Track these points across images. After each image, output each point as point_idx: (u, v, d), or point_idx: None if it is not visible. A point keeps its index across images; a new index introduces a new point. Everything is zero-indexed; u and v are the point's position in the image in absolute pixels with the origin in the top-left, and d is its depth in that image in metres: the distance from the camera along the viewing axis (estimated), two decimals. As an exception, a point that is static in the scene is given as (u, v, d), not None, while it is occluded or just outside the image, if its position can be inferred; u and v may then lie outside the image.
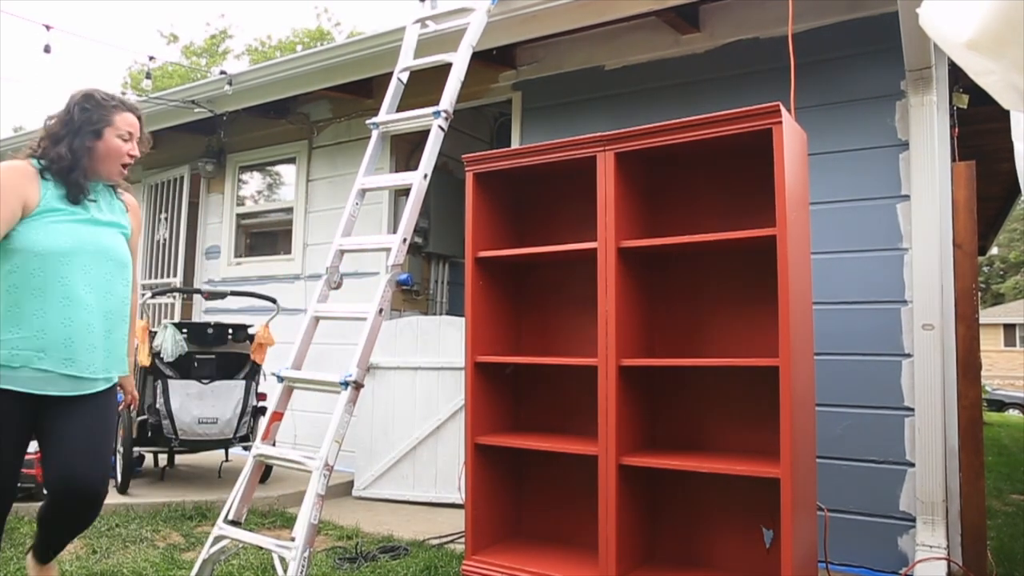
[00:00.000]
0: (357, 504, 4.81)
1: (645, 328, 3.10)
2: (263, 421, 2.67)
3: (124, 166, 2.33)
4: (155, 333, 4.67)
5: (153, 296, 6.39)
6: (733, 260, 3.04)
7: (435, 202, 6.15)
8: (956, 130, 3.90)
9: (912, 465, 3.49)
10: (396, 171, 5.71)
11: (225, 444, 4.80)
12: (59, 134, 2.24)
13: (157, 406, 4.54)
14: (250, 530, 2.59)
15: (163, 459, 5.21)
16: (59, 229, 2.17)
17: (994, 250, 26.06)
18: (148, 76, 7.09)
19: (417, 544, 3.78)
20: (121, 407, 4.55)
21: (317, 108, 6.22)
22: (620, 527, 2.78)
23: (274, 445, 2.59)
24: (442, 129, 2.83)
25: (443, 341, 4.94)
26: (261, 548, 2.39)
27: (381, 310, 2.59)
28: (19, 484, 2.42)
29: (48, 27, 4.52)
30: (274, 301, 5.27)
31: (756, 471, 2.56)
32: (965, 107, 4.02)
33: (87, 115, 2.25)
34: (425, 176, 2.75)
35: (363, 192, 2.93)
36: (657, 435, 3.14)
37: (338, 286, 2.81)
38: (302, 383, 2.66)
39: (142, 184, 7.59)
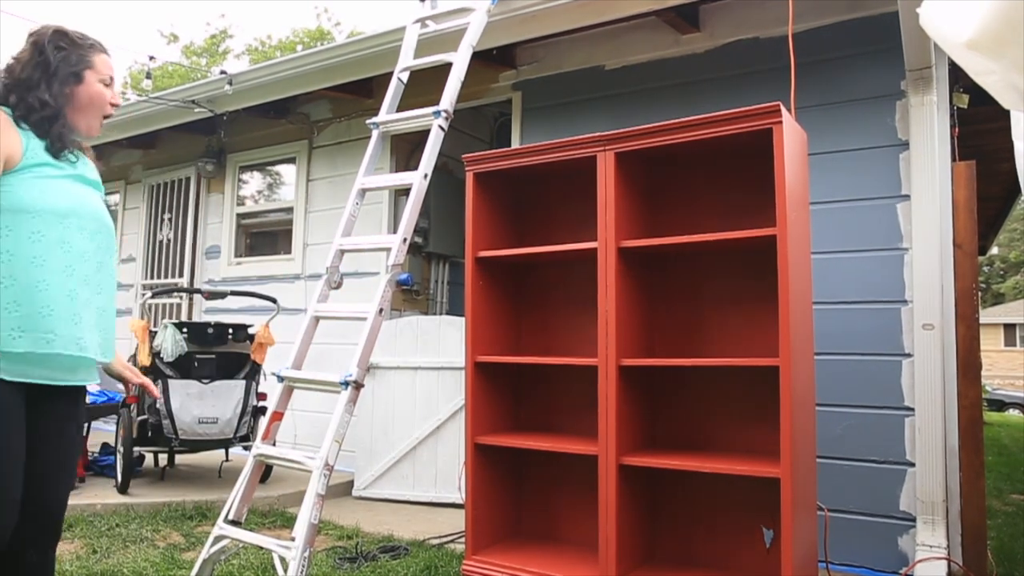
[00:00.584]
0: (357, 504, 4.81)
1: (645, 328, 3.10)
2: (263, 421, 2.67)
3: (105, 117, 2.02)
4: (155, 333, 4.67)
5: (154, 296, 6.41)
6: (733, 260, 3.04)
7: (435, 202, 6.15)
8: (956, 130, 3.90)
9: (912, 465, 3.49)
10: (396, 171, 5.71)
11: (225, 444, 4.80)
12: (33, 79, 1.88)
13: (157, 406, 4.54)
14: (250, 530, 2.59)
15: (163, 459, 5.21)
16: (54, 186, 1.85)
17: (994, 250, 26.05)
18: (148, 76, 7.11)
19: (417, 544, 3.78)
20: (129, 399, 4.57)
21: (317, 108, 6.22)
22: (620, 527, 2.78)
23: (274, 445, 2.59)
24: (442, 129, 2.83)
25: (443, 341, 4.94)
26: (261, 548, 2.39)
27: (381, 310, 2.59)
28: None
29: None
30: (274, 301, 5.27)
31: (756, 471, 2.56)
32: (965, 107, 4.02)
33: (64, 56, 1.91)
34: (425, 176, 2.75)
35: (363, 192, 2.93)
36: (657, 435, 3.14)
37: (338, 286, 2.81)
38: (302, 383, 2.66)
39: (142, 184, 7.59)
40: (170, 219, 7.28)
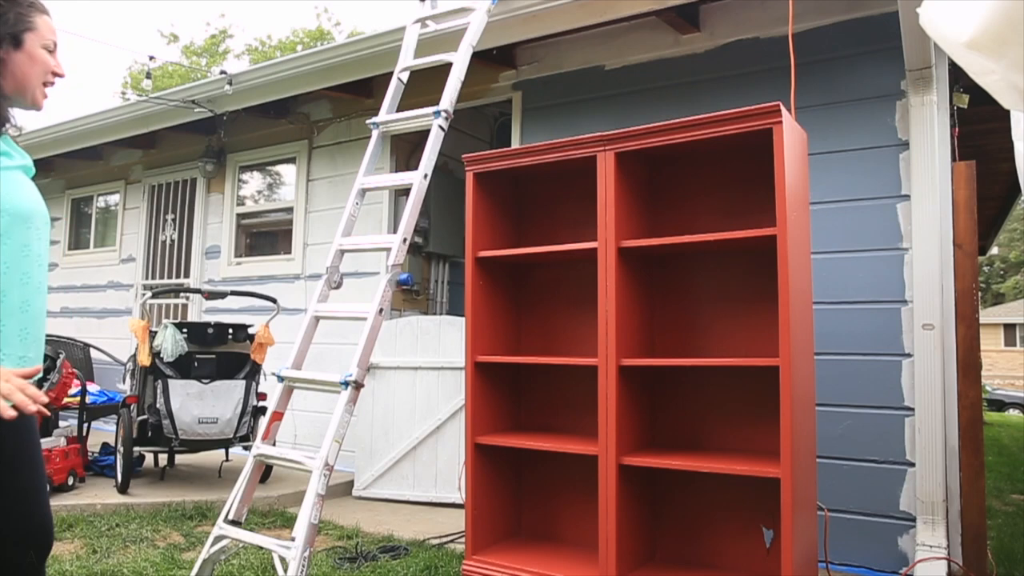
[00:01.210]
0: (357, 504, 4.81)
1: (645, 328, 3.10)
2: (263, 421, 2.67)
3: (46, 85, 1.76)
4: (155, 333, 4.67)
5: (154, 296, 6.41)
6: (733, 260, 3.04)
7: (435, 202, 6.15)
8: (956, 130, 3.90)
9: (912, 465, 3.49)
10: (396, 171, 5.71)
11: (225, 444, 4.80)
12: None
13: (157, 406, 4.54)
14: (250, 530, 2.59)
15: (163, 459, 5.21)
16: (14, 181, 1.63)
17: (994, 250, 26.05)
18: (148, 76, 7.12)
19: (417, 544, 3.78)
20: (129, 399, 4.53)
21: (317, 108, 6.22)
22: (620, 527, 2.78)
23: (274, 445, 2.59)
24: (442, 129, 2.83)
25: (443, 341, 4.94)
26: (261, 548, 2.39)
27: (381, 310, 2.59)
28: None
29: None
30: (274, 301, 5.28)
31: (756, 471, 2.56)
32: (965, 107, 4.02)
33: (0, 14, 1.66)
34: (425, 176, 2.75)
35: (363, 192, 2.93)
36: (657, 435, 3.14)
37: (338, 286, 2.81)
38: (302, 383, 2.66)
39: (142, 184, 7.60)
40: (173, 219, 7.29)
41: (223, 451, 5.07)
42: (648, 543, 3.05)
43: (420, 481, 4.86)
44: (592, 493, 2.87)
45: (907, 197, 3.60)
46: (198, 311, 6.76)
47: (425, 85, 3.67)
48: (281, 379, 2.66)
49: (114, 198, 7.99)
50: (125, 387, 5.05)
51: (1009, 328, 30.15)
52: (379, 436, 4.99)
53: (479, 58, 4.34)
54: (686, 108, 3.90)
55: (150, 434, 4.60)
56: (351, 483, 5.05)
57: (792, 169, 2.61)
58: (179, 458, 5.39)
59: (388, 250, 2.68)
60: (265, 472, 4.84)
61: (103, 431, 6.31)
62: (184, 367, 4.61)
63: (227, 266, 6.73)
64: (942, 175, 3.54)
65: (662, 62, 4.42)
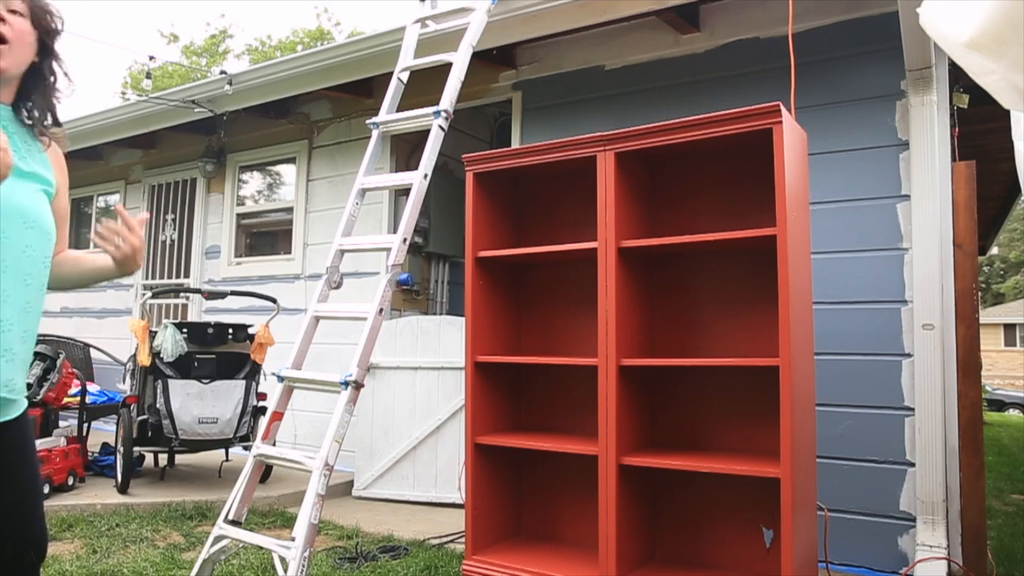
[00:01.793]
0: (357, 504, 4.81)
1: (645, 328, 3.10)
2: (263, 421, 2.67)
3: None
4: (155, 333, 4.67)
5: (154, 296, 6.41)
6: (733, 260, 3.04)
7: (435, 202, 6.15)
8: (956, 130, 3.90)
9: (912, 465, 3.49)
10: (396, 171, 5.71)
11: (225, 444, 4.80)
12: None
13: (157, 406, 4.54)
14: (250, 530, 2.59)
15: (163, 459, 5.21)
16: (9, 180, 1.44)
17: (994, 250, 26.05)
18: (148, 76, 7.12)
19: (417, 544, 3.78)
20: (129, 399, 4.54)
21: (317, 108, 6.22)
22: (620, 527, 2.78)
23: (274, 445, 2.59)
24: (442, 129, 2.83)
25: (443, 341, 4.94)
26: (261, 548, 2.39)
27: (381, 310, 2.59)
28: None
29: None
30: (274, 301, 5.28)
31: (756, 471, 2.56)
32: (965, 107, 4.02)
33: None
34: (425, 176, 2.75)
35: (363, 192, 2.93)
36: (657, 435, 3.14)
37: (338, 286, 2.81)
38: (302, 383, 2.66)
39: (142, 184, 7.60)
40: (173, 219, 7.29)
41: (223, 451, 5.07)
42: (648, 543, 3.05)
43: (420, 481, 4.86)
44: (592, 493, 2.87)
45: (907, 197, 3.60)
46: (198, 311, 6.76)
47: (425, 85, 3.67)
48: (281, 379, 2.66)
49: (114, 198, 8.00)
50: (125, 387, 5.05)
51: (1009, 328, 30.15)
52: (379, 436, 4.99)
53: (479, 58, 4.33)
54: (686, 108, 3.89)
55: (150, 434, 4.60)
56: (351, 483, 5.05)
57: (792, 169, 2.61)
58: (179, 458, 5.39)
59: (388, 250, 2.68)
60: (265, 472, 4.84)
61: (103, 431, 6.31)
62: (184, 367, 4.61)
63: (227, 266, 6.73)
64: (942, 175, 3.54)
65: (662, 62, 4.42)
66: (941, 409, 3.43)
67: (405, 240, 2.67)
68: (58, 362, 4.66)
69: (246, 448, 4.74)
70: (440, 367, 4.89)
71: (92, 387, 5.50)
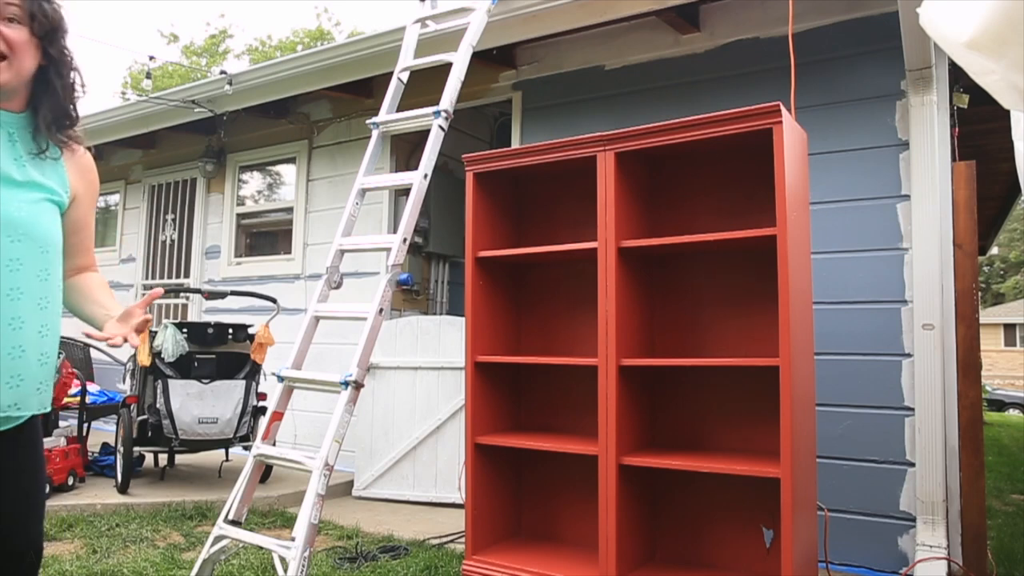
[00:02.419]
0: (357, 504, 4.81)
1: (645, 328, 3.10)
2: (263, 421, 2.67)
3: None
4: (155, 333, 4.67)
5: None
6: (733, 260, 3.04)
7: (435, 202, 6.15)
8: (956, 130, 3.90)
9: (912, 465, 3.49)
10: (396, 171, 5.71)
11: (225, 444, 4.80)
12: None
13: (157, 406, 4.54)
14: (250, 530, 2.59)
15: (163, 459, 5.21)
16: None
17: (994, 250, 26.05)
18: (148, 76, 7.12)
19: (417, 544, 3.78)
20: (129, 399, 4.54)
21: (317, 108, 6.22)
22: (620, 527, 2.78)
23: (274, 445, 2.59)
24: (442, 129, 2.83)
25: (443, 341, 4.94)
26: (261, 548, 2.39)
27: (381, 310, 2.59)
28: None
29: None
30: (274, 301, 5.28)
31: (756, 471, 2.56)
32: (965, 107, 4.02)
33: None
34: (425, 176, 2.75)
35: (363, 192, 2.93)
36: (657, 435, 3.14)
37: (338, 286, 2.81)
38: (302, 383, 2.66)
39: (142, 184, 7.60)
40: (173, 219, 7.29)
41: (223, 451, 5.06)
42: (648, 543, 3.05)
43: (420, 481, 4.86)
44: (592, 493, 2.87)
45: (907, 197, 3.60)
46: (198, 311, 6.76)
47: (425, 85, 3.67)
48: (281, 379, 2.66)
49: (114, 198, 7.99)
50: (125, 387, 5.05)
51: (1009, 328, 30.15)
52: (379, 436, 4.99)
53: (479, 58, 4.33)
54: (686, 108, 3.89)
55: (150, 434, 4.60)
56: (351, 483, 5.04)
57: (792, 169, 2.61)
58: (179, 458, 5.39)
59: (388, 250, 2.68)
60: (265, 472, 4.84)
61: (103, 431, 6.31)
62: (184, 367, 4.61)
63: (227, 266, 6.73)
64: (942, 175, 3.54)
65: (662, 62, 4.42)
66: (941, 409, 3.43)
67: (405, 240, 2.67)
68: (58, 362, 4.65)
69: (246, 448, 4.74)
70: (440, 367, 4.89)
71: (92, 387, 5.49)
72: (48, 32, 1.53)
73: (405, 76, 3.15)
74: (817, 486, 2.99)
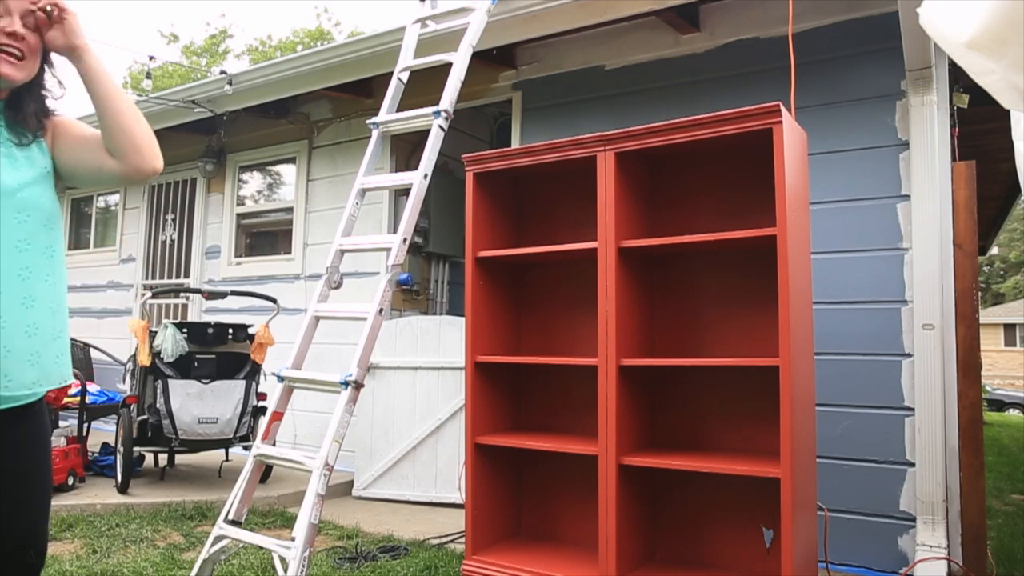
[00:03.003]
0: (357, 504, 4.81)
1: (645, 328, 3.10)
2: (263, 421, 2.67)
3: (6, 51, 1.52)
4: (155, 333, 4.67)
5: (154, 296, 6.41)
6: (733, 260, 3.04)
7: (435, 202, 6.15)
8: (956, 130, 3.90)
9: (912, 465, 3.49)
10: (396, 171, 5.71)
11: (225, 444, 4.80)
12: None
13: (157, 406, 4.54)
14: (250, 530, 2.59)
15: (163, 459, 5.21)
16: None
17: (994, 250, 26.05)
18: (148, 76, 7.11)
19: (417, 544, 3.78)
20: (129, 399, 4.53)
21: (317, 108, 6.22)
22: (620, 527, 2.78)
23: (274, 445, 2.59)
24: (442, 129, 2.83)
25: (443, 341, 4.94)
26: (261, 548, 2.39)
27: (381, 310, 2.59)
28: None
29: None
30: (274, 301, 5.28)
31: (756, 471, 2.56)
32: (965, 107, 4.02)
33: None
34: (425, 176, 2.75)
35: (363, 192, 2.93)
36: (657, 435, 3.14)
37: (338, 286, 2.81)
38: (302, 383, 2.66)
39: (142, 184, 7.60)
40: (173, 219, 7.29)
41: (223, 451, 5.06)
42: (648, 543, 3.05)
43: (420, 481, 4.86)
44: (592, 493, 2.87)
45: (907, 197, 3.60)
46: (198, 311, 6.76)
47: (425, 85, 3.67)
48: (281, 379, 2.66)
49: (114, 198, 8.00)
50: (125, 387, 5.05)
51: (1009, 328, 30.15)
52: (379, 436, 4.99)
53: (479, 58, 4.34)
54: (686, 108, 3.89)
55: (150, 434, 4.60)
56: (351, 483, 5.04)
57: (792, 169, 2.61)
58: (179, 458, 5.39)
59: (388, 250, 2.68)
60: (265, 472, 4.84)
61: (103, 431, 6.31)
62: (184, 367, 4.61)
63: (227, 266, 6.73)
64: (942, 175, 3.54)
65: (662, 62, 4.42)
66: (941, 409, 3.43)
67: (405, 240, 2.67)
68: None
69: (246, 448, 4.74)
70: (440, 367, 4.89)
71: (92, 387, 5.50)
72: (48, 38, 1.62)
73: (405, 76, 3.15)
74: (817, 486, 2.99)
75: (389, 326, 5.02)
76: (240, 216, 6.84)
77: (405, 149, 5.95)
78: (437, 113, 2.82)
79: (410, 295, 6.33)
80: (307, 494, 2.32)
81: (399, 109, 3.06)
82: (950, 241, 3.54)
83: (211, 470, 5.22)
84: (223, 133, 6.62)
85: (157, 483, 4.86)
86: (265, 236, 7.04)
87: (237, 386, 4.74)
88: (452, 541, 3.87)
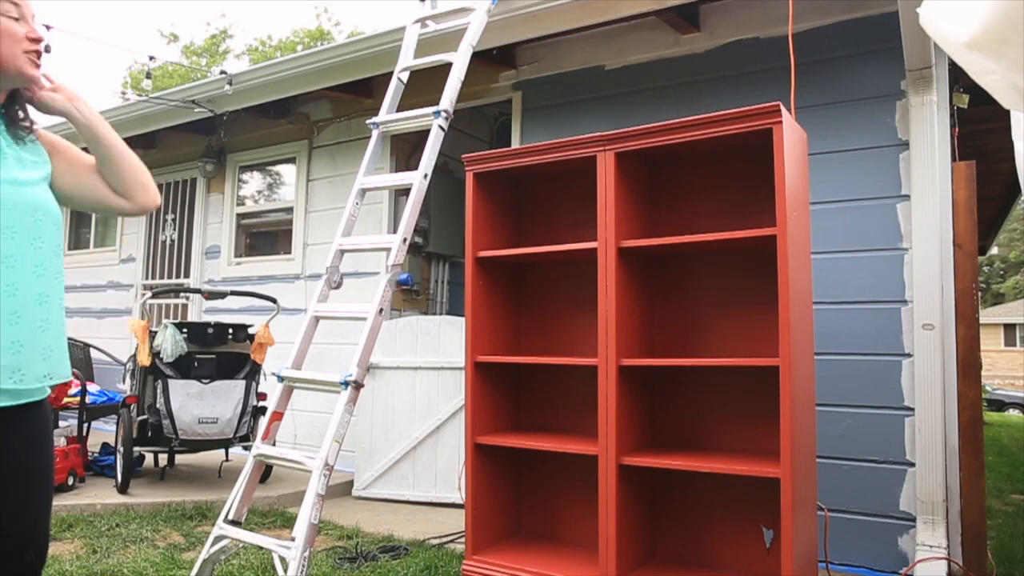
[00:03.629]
0: (357, 504, 4.81)
1: (645, 328, 3.10)
2: (263, 421, 2.67)
3: (30, 55, 1.60)
4: (155, 333, 4.67)
5: (154, 296, 6.41)
6: (733, 259, 3.04)
7: (435, 202, 6.15)
8: (956, 130, 3.90)
9: (912, 465, 3.49)
10: (396, 171, 5.71)
11: (225, 444, 4.80)
12: None
13: (157, 406, 4.54)
14: (250, 530, 2.59)
15: (163, 459, 5.21)
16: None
17: (994, 250, 26.04)
18: (148, 76, 7.12)
19: (417, 544, 3.78)
20: (129, 399, 4.55)
21: (317, 108, 6.22)
22: (620, 527, 2.78)
23: (274, 445, 2.59)
24: (442, 129, 2.83)
25: (443, 341, 4.94)
26: (261, 548, 2.39)
27: (381, 310, 2.59)
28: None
29: (48, 27, 4.50)
30: (274, 301, 5.28)
31: (756, 471, 2.56)
32: (965, 107, 4.02)
33: None
34: (425, 176, 2.75)
35: (363, 192, 2.93)
36: (657, 435, 3.14)
37: (338, 286, 2.81)
38: (302, 383, 2.66)
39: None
40: (173, 219, 7.29)
41: (223, 451, 5.06)
42: (648, 543, 3.05)
43: (420, 481, 4.86)
44: (592, 493, 2.87)
45: (907, 197, 3.60)
46: (198, 311, 6.76)
47: (425, 85, 3.67)
48: (281, 379, 2.66)
49: (114, 198, 7.98)
50: (125, 387, 5.05)
51: (1009, 328, 30.15)
52: (379, 436, 4.99)
53: (479, 58, 4.33)
54: (686, 108, 3.89)
55: (150, 434, 4.60)
56: (351, 483, 5.05)
57: (792, 169, 2.61)
58: (179, 458, 5.39)
59: (388, 250, 2.68)
60: (265, 472, 4.84)
61: (103, 431, 6.31)
62: (184, 367, 4.61)
63: (227, 266, 6.73)
64: (942, 175, 3.54)
65: (662, 62, 4.42)
66: (941, 409, 3.43)
67: (405, 240, 2.67)
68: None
69: (246, 448, 4.74)
70: (440, 367, 4.89)
71: (92, 387, 5.50)
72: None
73: (405, 76, 3.15)
74: (817, 486, 2.99)
75: (389, 326, 5.02)
76: (240, 216, 6.84)
77: (405, 149, 5.95)
78: (437, 113, 2.83)
79: (410, 295, 6.33)
80: (307, 494, 2.32)
81: (399, 109, 3.06)
82: (950, 241, 3.54)
83: (211, 470, 5.22)
84: (223, 133, 6.62)
85: (157, 483, 4.86)
86: (265, 236, 7.04)
87: (237, 386, 4.74)
88: (452, 541, 3.87)
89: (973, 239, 3.55)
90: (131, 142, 7.25)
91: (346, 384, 2.46)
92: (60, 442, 4.58)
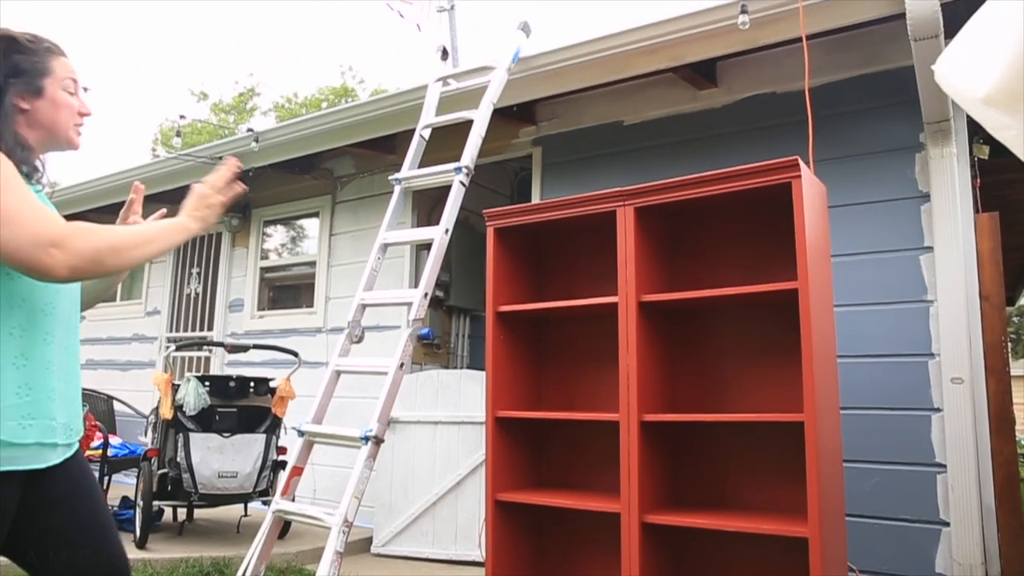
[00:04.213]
0: (376, 561, 4.73)
1: (667, 382, 3.06)
2: (283, 475, 2.66)
3: (79, 126, 1.74)
4: (178, 386, 4.70)
5: (178, 349, 6.48)
6: (755, 313, 3.02)
7: (456, 256, 6.20)
8: (979, 180, 3.88)
9: (947, 524, 3.38)
10: (418, 225, 5.78)
11: (245, 498, 4.77)
12: None
13: (178, 459, 4.53)
14: (267, 588, 2.56)
15: (182, 513, 5.18)
16: None
17: (1022, 301, 25.56)
18: (178, 134, 7.35)
19: (436, 603, 3.70)
20: (150, 452, 4.58)
21: (341, 163, 6.35)
22: (644, 588, 2.70)
23: (293, 500, 2.58)
24: (463, 184, 2.88)
25: (464, 395, 4.91)
26: (278, 607, 2.36)
27: (402, 364, 2.60)
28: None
29: (86, 89, 4.66)
30: (296, 354, 5.30)
31: (783, 530, 2.49)
32: (986, 157, 4.01)
33: (13, 65, 1.60)
34: (446, 231, 2.79)
35: (385, 247, 2.97)
36: (680, 492, 3.07)
37: (360, 340, 2.83)
38: (322, 437, 2.66)
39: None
40: (198, 273, 7.41)
41: (242, 505, 5.03)
42: (673, 605, 2.96)
43: (440, 538, 4.78)
44: (615, 551, 2.80)
45: (930, 249, 3.57)
46: (220, 363, 6.81)
47: (446, 141, 3.74)
48: (301, 433, 2.66)
49: (142, 252, 8.14)
50: (147, 440, 5.06)
51: (1042, 380, 29.40)
52: (398, 491, 4.94)
53: (499, 114, 4.42)
54: (705, 161, 3.93)
55: (170, 488, 4.58)
56: (370, 539, 4.97)
57: (812, 222, 2.60)
58: (198, 512, 5.36)
59: (409, 305, 2.70)
60: (284, 527, 4.79)
61: (123, 484, 6.30)
62: (205, 420, 4.62)
63: (250, 319, 6.80)
64: (965, 226, 3.52)
65: (680, 117, 4.48)
66: (975, 466, 3.33)
67: (426, 295, 2.69)
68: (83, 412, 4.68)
69: (265, 503, 4.71)
70: (460, 421, 4.85)
71: (114, 440, 5.52)
72: None
73: (427, 133, 3.22)
74: (847, 546, 2.90)
75: (410, 380, 5.01)
76: (264, 270, 6.93)
77: (427, 203, 6.03)
78: (458, 169, 2.87)
79: (431, 348, 6.33)
80: (326, 552, 2.30)
81: (421, 165, 3.12)
82: (976, 293, 3.50)
83: (230, 525, 5.18)
84: (249, 188, 6.75)
85: (175, 538, 4.83)
86: (288, 289, 7.12)
87: (257, 440, 4.73)
88: (472, 600, 3.78)
89: (1000, 291, 3.50)
90: (160, 198, 7.44)
91: (366, 439, 2.45)
92: (81, 496, 4.56)
